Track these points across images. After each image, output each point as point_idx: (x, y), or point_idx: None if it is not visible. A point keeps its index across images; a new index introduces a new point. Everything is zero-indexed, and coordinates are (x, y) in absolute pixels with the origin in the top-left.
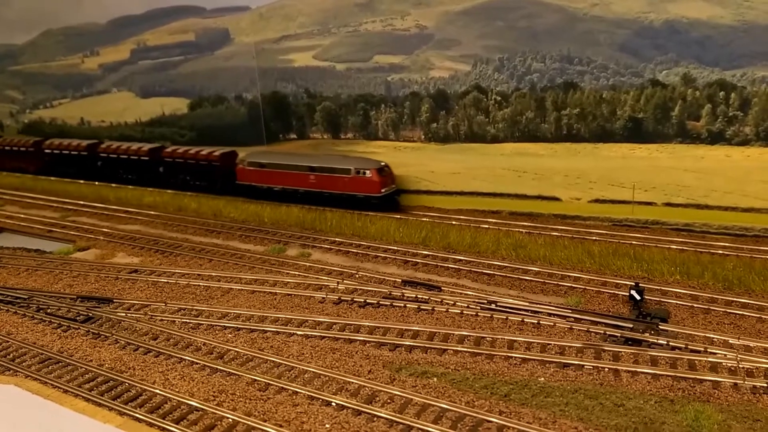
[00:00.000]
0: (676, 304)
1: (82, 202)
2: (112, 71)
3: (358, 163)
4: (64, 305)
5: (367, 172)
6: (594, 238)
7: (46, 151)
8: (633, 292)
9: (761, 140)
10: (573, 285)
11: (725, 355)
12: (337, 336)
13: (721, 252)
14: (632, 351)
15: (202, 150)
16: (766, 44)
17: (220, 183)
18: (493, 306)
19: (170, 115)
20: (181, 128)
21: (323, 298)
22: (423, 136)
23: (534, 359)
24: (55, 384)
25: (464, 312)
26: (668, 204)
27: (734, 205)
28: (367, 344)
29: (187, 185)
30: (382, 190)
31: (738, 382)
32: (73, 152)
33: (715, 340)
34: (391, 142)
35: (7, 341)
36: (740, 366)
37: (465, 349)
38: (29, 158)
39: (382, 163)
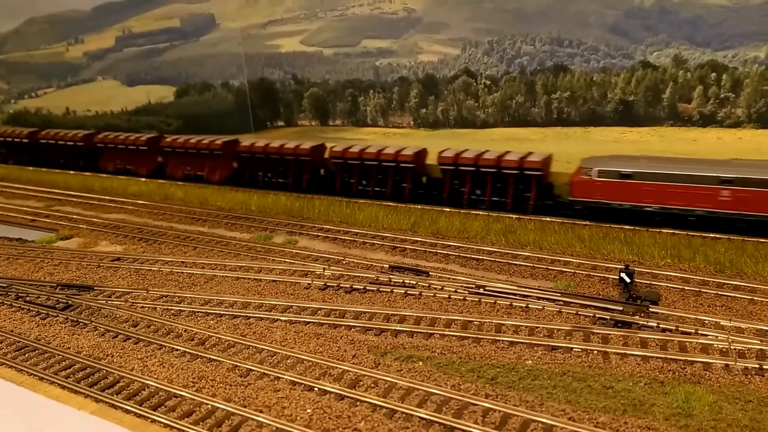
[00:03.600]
0: (667, 286)
1: (67, 192)
2: (97, 59)
3: None
4: (43, 293)
5: None
6: (585, 222)
7: (243, 155)
8: (623, 275)
9: (753, 122)
10: (563, 269)
11: (716, 336)
12: (321, 321)
13: (712, 235)
14: (622, 333)
15: (507, 155)
16: (758, 23)
17: (536, 199)
18: (481, 290)
19: (156, 104)
20: (167, 116)
21: (309, 284)
22: (412, 122)
23: (522, 342)
24: (30, 371)
25: (452, 296)
26: None
27: None
28: (353, 329)
29: (472, 201)
30: None
31: (729, 363)
32: (288, 156)
33: (707, 322)
34: (380, 128)
35: None
36: (732, 347)
37: (452, 333)
38: (214, 161)
39: None
